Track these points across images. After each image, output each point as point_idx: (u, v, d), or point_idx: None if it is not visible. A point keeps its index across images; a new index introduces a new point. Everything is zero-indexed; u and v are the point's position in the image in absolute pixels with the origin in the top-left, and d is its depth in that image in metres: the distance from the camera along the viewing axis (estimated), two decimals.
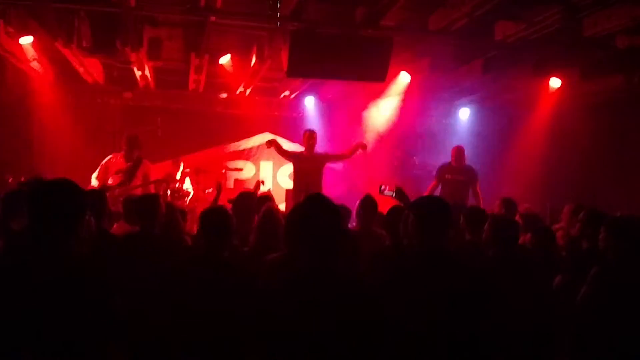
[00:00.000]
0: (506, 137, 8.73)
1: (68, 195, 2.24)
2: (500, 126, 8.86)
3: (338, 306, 2.17)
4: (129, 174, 6.30)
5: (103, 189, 5.76)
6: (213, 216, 3.03)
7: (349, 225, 4.81)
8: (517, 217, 5.15)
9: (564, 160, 8.14)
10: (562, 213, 5.61)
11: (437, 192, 7.39)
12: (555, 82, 7.50)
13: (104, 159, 6.70)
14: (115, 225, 4.80)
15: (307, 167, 7.14)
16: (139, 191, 6.24)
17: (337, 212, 2.33)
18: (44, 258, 2.13)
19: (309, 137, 7.15)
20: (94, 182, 6.21)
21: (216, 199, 5.75)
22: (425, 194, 7.03)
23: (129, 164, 6.40)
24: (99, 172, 6.33)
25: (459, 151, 7.51)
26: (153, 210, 3.85)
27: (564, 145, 8.14)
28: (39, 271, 2.09)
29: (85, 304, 2.11)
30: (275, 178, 10.52)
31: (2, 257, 2.47)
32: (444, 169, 7.57)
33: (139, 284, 2.90)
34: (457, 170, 7.43)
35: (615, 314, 3.08)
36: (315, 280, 2.23)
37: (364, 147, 7.43)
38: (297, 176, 7.27)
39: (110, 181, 6.22)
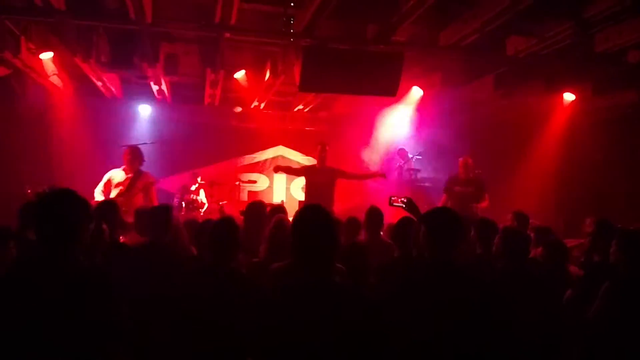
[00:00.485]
0: (519, 152, 8.72)
1: (70, 205, 2.27)
2: (513, 140, 8.85)
3: (335, 318, 2.17)
4: (130, 186, 6.38)
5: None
6: (219, 227, 3.06)
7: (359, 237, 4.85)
8: (529, 231, 5.14)
9: (577, 175, 8.10)
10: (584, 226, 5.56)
11: (448, 206, 7.39)
12: (569, 97, 7.49)
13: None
14: (128, 236, 4.89)
15: (318, 180, 7.17)
16: (139, 199, 6.29)
17: (332, 223, 2.34)
18: (48, 267, 2.17)
19: (321, 150, 7.19)
20: (99, 196, 6.29)
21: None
22: None
23: (129, 176, 6.49)
24: (103, 186, 6.42)
25: (466, 162, 7.51)
26: (165, 221, 3.91)
27: (576, 160, 8.10)
28: (41, 280, 2.13)
29: (88, 312, 2.13)
30: (288, 190, 10.62)
31: (13, 266, 2.53)
32: (452, 181, 7.55)
33: (149, 293, 2.95)
34: (466, 182, 7.43)
35: (627, 329, 3.06)
36: (311, 292, 2.23)
37: (383, 176, 7.47)
38: (308, 189, 7.30)
39: (112, 194, 6.29)
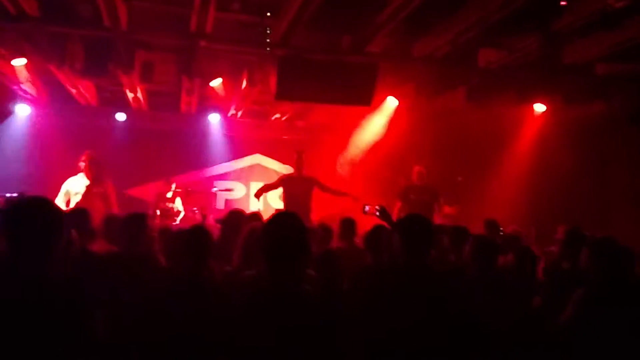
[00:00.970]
0: (492, 161, 8.87)
1: (43, 213, 2.16)
2: (486, 150, 9.01)
3: (304, 326, 2.19)
4: (87, 193, 6.34)
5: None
6: (190, 236, 3.06)
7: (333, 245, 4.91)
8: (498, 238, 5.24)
9: (548, 183, 8.28)
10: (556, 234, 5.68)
11: (403, 213, 7.49)
12: (539, 107, 7.68)
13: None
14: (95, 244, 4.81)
15: (296, 189, 7.21)
16: (98, 206, 6.22)
17: (301, 230, 2.36)
18: (19, 278, 2.07)
19: (298, 159, 7.24)
20: (61, 206, 6.24)
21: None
22: (393, 215, 7.11)
23: (88, 184, 6.42)
24: (63, 195, 6.35)
25: (420, 171, 7.64)
26: (139, 231, 3.86)
27: (548, 168, 8.28)
28: (11, 292, 2.03)
29: (62, 324, 2.06)
30: (265, 198, 10.59)
31: None
32: (408, 189, 7.68)
33: (119, 304, 2.91)
34: (421, 190, 7.55)
35: (598, 335, 3.11)
36: (280, 299, 2.24)
37: (355, 199, 7.48)
38: (286, 197, 7.33)
39: (72, 204, 6.23)
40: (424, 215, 6.66)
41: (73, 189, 6.33)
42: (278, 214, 2.45)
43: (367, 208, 4.74)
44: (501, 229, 6.01)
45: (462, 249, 4.11)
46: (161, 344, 2.74)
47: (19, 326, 1.99)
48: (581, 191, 7.81)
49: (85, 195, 6.28)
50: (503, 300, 3.63)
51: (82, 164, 6.49)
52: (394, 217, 7.08)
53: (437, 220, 7.28)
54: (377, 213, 4.66)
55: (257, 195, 7.55)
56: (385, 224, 4.41)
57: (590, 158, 7.83)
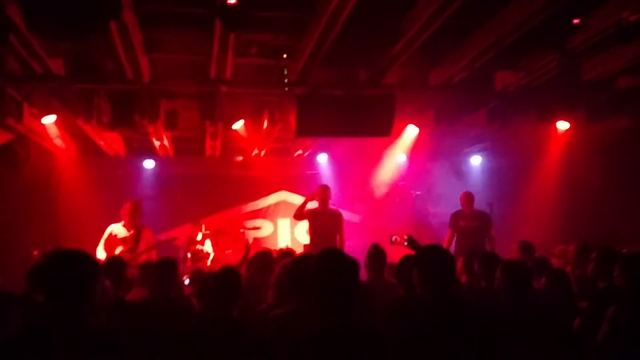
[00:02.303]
0: (520, 182, 8.77)
1: (79, 265, 2.28)
2: (513, 171, 8.92)
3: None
4: (134, 242, 6.44)
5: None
6: (219, 277, 3.09)
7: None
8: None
9: (578, 201, 8.13)
10: (568, 253, 5.59)
11: (454, 241, 7.40)
12: (562, 125, 7.57)
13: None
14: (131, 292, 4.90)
15: (322, 223, 7.21)
16: (143, 257, 6.33)
17: (355, 266, 2.35)
18: (57, 329, 2.16)
19: (322, 192, 7.26)
20: (101, 254, 6.32)
21: (244, 258, 5.85)
22: (444, 244, 6.99)
23: (131, 232, 6.53)
24: (104, 243, 6.46)
25: (468, 197, 7.52)
26: (169, 275, 3.94)
27: (577, 187, 8.14)
28: (49, 343, 2.11)
29: None
30: (293, 234, 10.62)
31: (21, 331, 2.50)
32: (456, 216, 7.56)
33: (153, 351, 2.94)
34: (470, 217, 7.43)
35: (634, 351, 3.05)
36: (334, 336, 2.21)
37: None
38: (313, 232, 7.33)
39: (117, 251, 6.32)
40: (475, 241, 6.57)
41: (118, 235, 6.47)
42: (326, 250, 2.46)
43: (394, 238, 4.70)
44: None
45: (493, 274, 4.05)
46: None
47: None
48: (612, 207, 7.63)
49: (132, 247, 6.41)
50: (542, 325, 3.54)
51: (124, 213, 6.59)
52: (445, 245, 7.03)
53: (489, 247, 7.15)
54: (406, 243, 4.61)
55: (297, 216, 7.59)
56: (413, 253, 4.37)
57: (620, 173, 7.66)
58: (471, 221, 7.38)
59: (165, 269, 4.02)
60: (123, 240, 6.44)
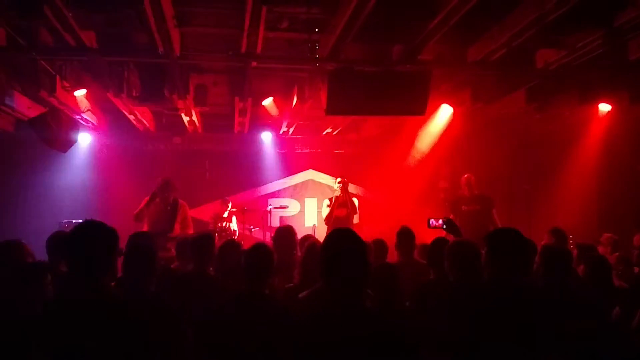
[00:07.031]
0: (556, 167, 8.49)
1: (97, 237, 2.35)
2: (551, 154, 8.63)
3: (366, 342, 2.12)
4: (170, 220, 6.46)
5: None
6: (253, 253, 3.07)
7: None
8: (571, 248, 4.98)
9: (619, 187, 7.84)
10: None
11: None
12: (604, 107, 7.27)
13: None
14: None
15: (340, 211, 7.69)
16: (178, 232, 6.44)
17: (361, 246, 2.29)
18: (78, 299, 2.23)
19: (341, 183, 7.83)
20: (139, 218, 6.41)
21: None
22: None
23: (167, 208, 6.54)
24: (141, 212, 6.49)
25: (468, 180, 7.40)
26: (206, 250, 3.97)
27: (617, 172, 7.85)
28: (70, 312, 2.19)
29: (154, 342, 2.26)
30: (319, 214, 10.57)
31: (54, 302, 2.57)
32: (458, 201, 7.50)
33: (198, 321, 2.95)
34: (471, 200, 7.33)
35: None
36: (341, 317, 2.18)
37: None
38: (330, 219, 7.80)
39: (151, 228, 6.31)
40: (478, 225, 6.47)
41: (151, 209, 6.51)
42: (334, 230, 2.39)
43: (432, 222, 4.61)
44: (571, 236, 5.72)
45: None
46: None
47: (73, 346, 2.15)
48: None
49: (167, 224, 6.45)
50: (579, 311, 3.41)
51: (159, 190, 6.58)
52: None
53: (492, 229, 7.02)
54: (444, 226, 4.53)
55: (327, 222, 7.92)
56: (451, 237, 4.27)
57: None
58: (473, 204, 7.27)
59: (201, 244, 4.03)
60: (159, 218, 6.46)
